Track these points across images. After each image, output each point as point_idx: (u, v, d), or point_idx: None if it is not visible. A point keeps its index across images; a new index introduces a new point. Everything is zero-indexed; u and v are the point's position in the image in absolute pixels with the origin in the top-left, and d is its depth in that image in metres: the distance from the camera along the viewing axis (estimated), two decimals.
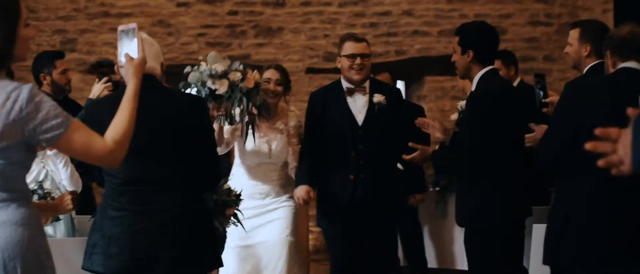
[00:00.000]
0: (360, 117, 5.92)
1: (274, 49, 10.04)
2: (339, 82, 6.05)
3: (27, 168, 3.15)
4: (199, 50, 10.00)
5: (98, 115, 4.10)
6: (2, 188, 3.04)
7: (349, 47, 5.88)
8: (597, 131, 2.29)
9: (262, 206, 5.98)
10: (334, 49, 9.77)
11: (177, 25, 10.09)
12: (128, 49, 3.40)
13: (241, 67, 5.61)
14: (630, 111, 2.26)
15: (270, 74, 6.07)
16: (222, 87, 5.46)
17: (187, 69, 5.59)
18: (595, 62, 5.20)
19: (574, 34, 5.37)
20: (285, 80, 6.13)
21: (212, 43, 10.06)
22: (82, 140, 3.08)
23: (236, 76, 5.52)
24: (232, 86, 5.49)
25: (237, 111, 5.59)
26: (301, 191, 5.83)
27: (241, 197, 5.44)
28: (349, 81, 5.92)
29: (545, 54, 10.04)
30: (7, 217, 3.03)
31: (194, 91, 5.47)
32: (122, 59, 3.45)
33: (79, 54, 9.88)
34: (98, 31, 10.02)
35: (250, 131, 5.75)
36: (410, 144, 5.29)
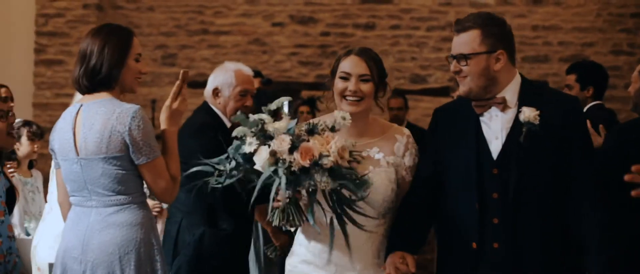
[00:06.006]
0: (495, 145, 3.56)
1: None
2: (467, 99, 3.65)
3: (140, 175, 3.60)
4: (292, 68, 10.40)
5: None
6: (120, 192, 3.53)
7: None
8: (635, 168, 2.76)
9: None
10: (421, 71, 10.10)
11: (271, 44, 10.50)
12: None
13: (301, 128, 3.38)
14: None
15: (348, 65, 3.62)
16: (259, 158, 3.33)
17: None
18: None
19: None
20: (377, 73, 3.64)
21: (304, 62, 10.46)
22: (158, 171, 3.51)
23: (282, 144, 3.29)
24: (278, 160, 3.31)
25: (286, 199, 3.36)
26: (390, 262, 3.51)
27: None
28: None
29: (627, 82, 10.13)
30: (124, 218, 3.52)
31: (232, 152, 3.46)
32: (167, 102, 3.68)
33: (179, 68, 10.30)
34: (197, 47, 10.50)
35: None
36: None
